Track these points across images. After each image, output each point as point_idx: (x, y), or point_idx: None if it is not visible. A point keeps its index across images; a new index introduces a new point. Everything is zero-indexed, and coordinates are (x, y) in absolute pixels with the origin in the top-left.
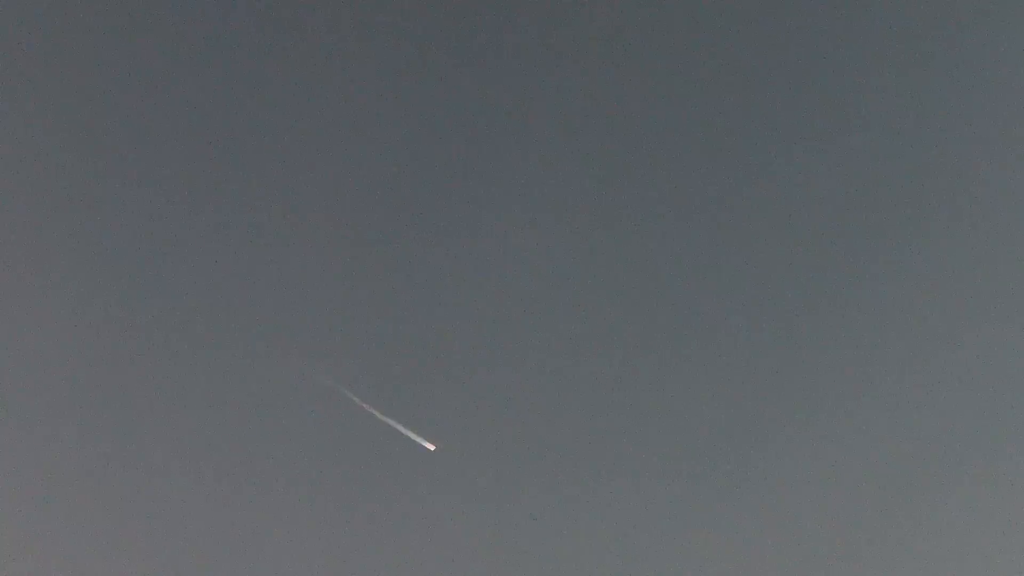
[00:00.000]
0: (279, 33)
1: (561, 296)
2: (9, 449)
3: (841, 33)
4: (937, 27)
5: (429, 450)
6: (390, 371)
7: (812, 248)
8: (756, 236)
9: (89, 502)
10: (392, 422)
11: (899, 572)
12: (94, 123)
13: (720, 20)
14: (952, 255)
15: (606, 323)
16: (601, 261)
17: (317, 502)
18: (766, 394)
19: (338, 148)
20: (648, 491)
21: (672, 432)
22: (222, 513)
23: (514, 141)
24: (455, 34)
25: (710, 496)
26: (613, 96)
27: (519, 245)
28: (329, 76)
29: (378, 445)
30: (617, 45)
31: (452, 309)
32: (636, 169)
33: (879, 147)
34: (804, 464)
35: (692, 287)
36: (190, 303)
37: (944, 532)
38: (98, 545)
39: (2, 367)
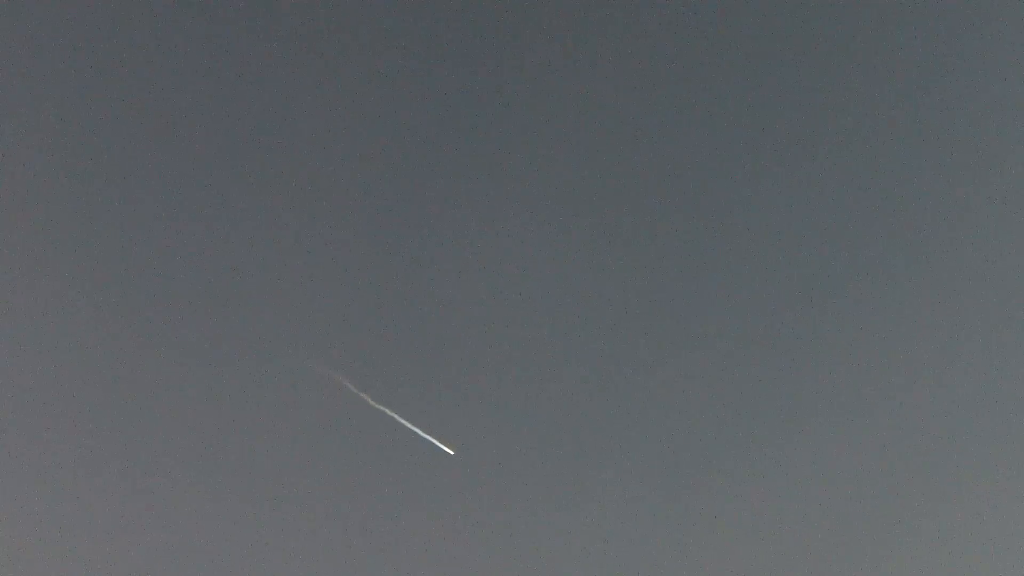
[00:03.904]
0: (283, 34)
1: (566, 298)
2: (9, 449)
3: (843, 34)
4: (937, 28)
5: (448, 454)
6: (399, 372)
7: (812, 251)
8: (756, 239)
9: (93, 502)
10: (406, 422)
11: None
12: (97, 123)
13: (723, 22)
14: (953, 258)
15: (612, 325)
16: (605, 263)
17: (329, 505)
18: (767, 396)
19: (342, 147)
20: (657, 491)
21: (677, 433)
22: (228, 514)
23: (519, 142)
24: (459, 34)
25: (717, 496)
26: (615, 97)
27: (523, 247)
28: (332, 76)
29: (391, 448)
30: (620, 46)
31: (457, 311)
32: (639, 171)
33: (881, 150)
34: (804, 465)
35: (697, 289)
36: (194, 305)
37: (942, 536)
38: (101, 546)
39: (2, 367)
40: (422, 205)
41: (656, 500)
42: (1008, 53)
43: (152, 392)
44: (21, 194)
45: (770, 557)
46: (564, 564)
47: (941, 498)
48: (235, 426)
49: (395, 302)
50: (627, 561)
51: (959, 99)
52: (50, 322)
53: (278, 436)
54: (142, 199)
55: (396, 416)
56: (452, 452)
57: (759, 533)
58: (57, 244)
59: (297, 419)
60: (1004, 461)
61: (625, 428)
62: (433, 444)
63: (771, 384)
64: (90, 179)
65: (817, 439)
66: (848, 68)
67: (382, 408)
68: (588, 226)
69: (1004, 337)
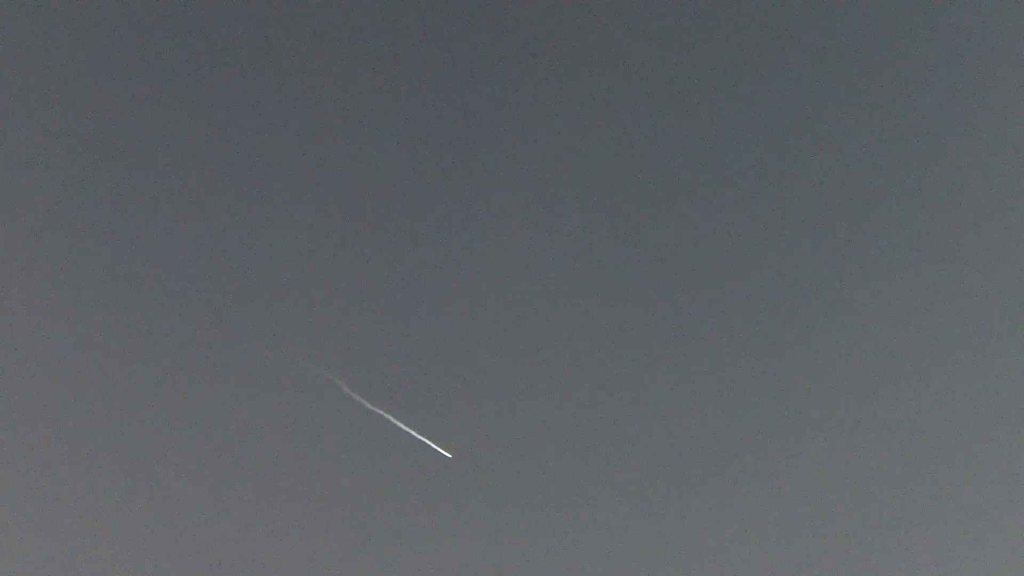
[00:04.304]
0: (283, 34)
1: (565, 299)
2: (9, 449)
3: (841, 34)
4: (937, 27)
5: (446, 458)
6: (397, 375)
7: (817, 253)
8: (761, 240)
9: (91, 503)
10: (403, 425)
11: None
12: (95, 123)
13: (722, 22)
14: (951, 258)
15: (611, 326)
16: (605, 265)
17: (324, 510)
18: (769, 398)
19: (344, 149)
20: (661, 496)
21: (677, 436)
22: (220, 517)
23: (520, 143)
24: (460, 35)
25: (716, 498)
26: (615, 98)
27: (522, 248)
28: (332, 76)
29: (388, 451)
30: (620, 46)
31: (457, 312)
32: (639, 172)
33: (881, 152)
34: (809, 469)
35: (697, 290)
36: (187, 305)
37: (943, 539)
38: (100, 546)
39: (2, 367)
40: (420, 205)
41: (660, 505)
42: (1008, 53)
43: (143, 392)
44: (20, 193)
45: (774, 562)
46: (565, 568)
47: (946, 501)
48: (228, 428)
49: (393, 303)
50: (630, 565)
51: (960, 100)
52: (48, 321)
53: (272, 439)
54: (140, 198)
55: (393, 419)
56: (449, 456)
57: (763, 537)
58: (54, 243)
59: (291, 422)
60: (1009, 462)
61: (627, 430)
62: (431, 448)
63: (776, 387)
64: (87, 178)
65: (822, 442)
66: (854, 69)
67: (379, 411)
68: (590, 225)
69: (1009, 338)
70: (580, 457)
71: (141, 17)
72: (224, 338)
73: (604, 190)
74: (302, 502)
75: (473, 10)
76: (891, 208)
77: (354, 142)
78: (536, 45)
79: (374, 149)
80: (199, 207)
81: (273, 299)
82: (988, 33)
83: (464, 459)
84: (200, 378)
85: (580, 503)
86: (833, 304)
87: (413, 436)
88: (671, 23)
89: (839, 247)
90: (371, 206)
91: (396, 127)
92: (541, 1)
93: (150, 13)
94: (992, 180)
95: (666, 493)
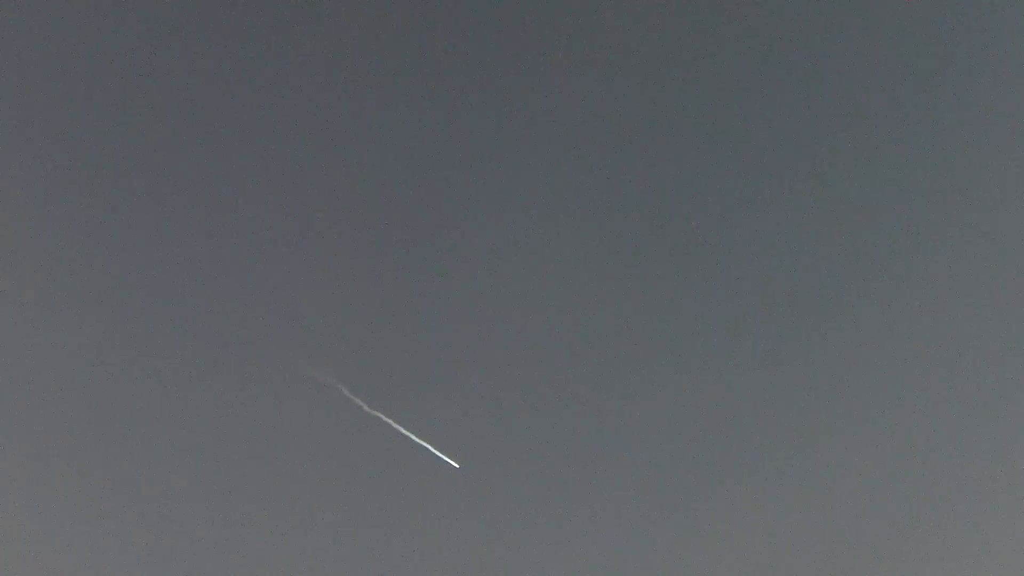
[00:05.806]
0: (283, 36)
1: (567, 302)
2: (9, 450)
3: (843, 35)
4: (937, 27)
5: (446, 463)
6: (396, 376)
7: (818, 255)
8: (762, 243)
9: (90, 505)
10: (403, 428)
11: None
12: (96, 124)
13: (721, 22)
14: (953, 259)
15: (613, 330)
16: (608, 268)
17: (320, 515)
18: (768, 401)
19: (345, 152)
20: (656, 499)
21: (678, 438)
22: (215, 523)
23: (516, 144)
24: (459, 36)
25: (718, 502)
26: (615, 99)
27: (525, 252)
28: (331, 77)
29: (386, 456)
30: (619, 47)
31: (457, 313)
32: (638, 174)
33: (881, 153)
34: (809, 474)
35: (701, 293)
36: (184, 307)
37: (945, 543)
38: (99, 547)
39: (3, 369)
40: (421, 205)
41: (663, 510)
42: (1008, 53)
43: (142, 395)
44: (18, 195)
45: (776, 564)
46: (564, 571)
47: (950, 506)
48: (223, 431)
49: (392, 302)
50: (629, 569)
51: (966, 94)
52: (47, 323)
53: (267, 442)
54: (139, 201)
55: (392, 423)
56: (454, 463)
57: (763, 541)
58: (53, 245)
59: (286, 425)
60: (1012, 467)
61: (628, 434)
62: (432, 453)
63: (776, 390)
64: (87, 180)
65: (823, 446)
66: (854, 71)
67: (377, 414)
68: (593, 228)
69: (1012, 340)
70: (581, 462)
71: (141, 17)
72: (224, 341)
73: (606, 192)
74: (302, 506)
75: (471, 12)
76: (893, 211)
77: (355, 145)
78: (534, 47)
79: (375, 152)
80: (198, 210)
81: (273, 302)
82: (989, 33)
83: (464, 463)
84: (200, 381)
85: (581, 508)
86: (834, 304)
87: (413, 440)
88: (672, 23)
89: (841, 249)
90: (371, 208)
91: (397, 129)
92: (536, 4)
93: (150, 13)
94: (995, 182)
95: (669, 498)
